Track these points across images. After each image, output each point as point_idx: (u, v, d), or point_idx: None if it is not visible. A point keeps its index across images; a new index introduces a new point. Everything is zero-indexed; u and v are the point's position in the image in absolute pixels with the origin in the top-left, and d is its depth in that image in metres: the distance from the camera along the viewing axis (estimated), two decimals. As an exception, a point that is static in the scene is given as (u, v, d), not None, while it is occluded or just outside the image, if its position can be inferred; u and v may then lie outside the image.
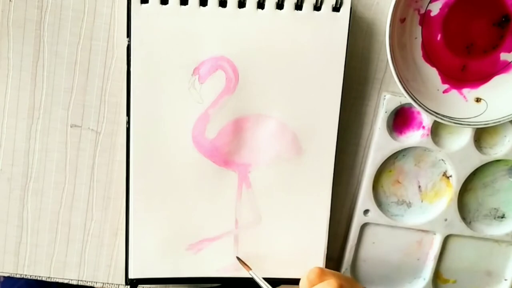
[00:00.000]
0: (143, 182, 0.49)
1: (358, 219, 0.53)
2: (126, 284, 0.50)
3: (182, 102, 0.47)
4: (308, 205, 0.51)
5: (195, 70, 0.47)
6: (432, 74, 0.49)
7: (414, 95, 0.48)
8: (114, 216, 0.52)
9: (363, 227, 0.54)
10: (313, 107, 0.49)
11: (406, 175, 0.53)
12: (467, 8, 0.47)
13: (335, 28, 0.47)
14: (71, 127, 0.50)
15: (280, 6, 0.47)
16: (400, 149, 0.51)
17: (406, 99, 0.48)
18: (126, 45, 0.47)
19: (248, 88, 0.48)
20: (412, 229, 0.54)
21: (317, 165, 0.50)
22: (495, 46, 0.49)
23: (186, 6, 0.46)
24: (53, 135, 0.50)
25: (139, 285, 0.51)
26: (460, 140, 0.52)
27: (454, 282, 0.57)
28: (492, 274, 0.57)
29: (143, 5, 0.46)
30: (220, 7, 0.46)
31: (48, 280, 0.53)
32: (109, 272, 0.53)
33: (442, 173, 0.53)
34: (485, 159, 0.52)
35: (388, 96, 0.50)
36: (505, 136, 0.52)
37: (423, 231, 0.54)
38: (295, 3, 0.47)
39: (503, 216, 0.55)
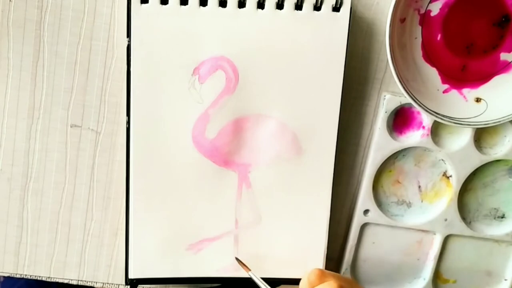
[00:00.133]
0: (143, 182, 0.49)
1: (358, 219, 0.53)
2: (126, 284, 0.50)
3: (182, 102, 0.47)
4: (308, 205, 0.51)
5: (195, 70, 0.47)
6: (432, 74, 0.49)
7: (414, 95, 0.48)
8: (114, 216, 0.52)
9: (363, 227, 0.54)
10: (313, 107, 0.49)
11: (406, 175, 0.53)
12: (467, 8, 0.47)
13: (335, 28, 0.47)
14: (71, 127, 0.50)
15: (280, 6, 0.47)
16: (400, 149, 0.51)
17: (406, 99, 0.48)
18: (126, 45, 0.47)
19: (248, 88, 0.48)
20: (412, 229, 0.54)
21: (317, 165, 0.50)
22: (495, 46, 0.49)
23: (186, 6, 0.46)
24: (53, 135, 0.50)
25: (139, 285, 0.51)
26: (460, 140, 0.52)
27: (454, 282, 0.57)
28: (492, 274, 0.57)
29: (143, 5, 0.46)
30: (220, 7, 0.46)
31: (48, 280, 0.53)
32: (109, 272, 0.53)
33: (442, 173, 0.53)
34: (485, 159, 0.52)
35: (388, 96, 0.50)
36: (505, 136, 0.52)
37: (423, 231, 0.54)
38: (295, 3, 0.47)
39: (503, 216, 0.55)
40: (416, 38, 0.48)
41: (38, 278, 0.53)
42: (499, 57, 0.49)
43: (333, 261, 0.55)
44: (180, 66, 0.47)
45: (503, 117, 0.49)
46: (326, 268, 0.52)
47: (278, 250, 0.51)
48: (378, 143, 0.51)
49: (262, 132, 0.49)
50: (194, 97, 0.47)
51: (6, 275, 0.53)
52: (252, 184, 0.50)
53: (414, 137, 0.51)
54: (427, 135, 0.51)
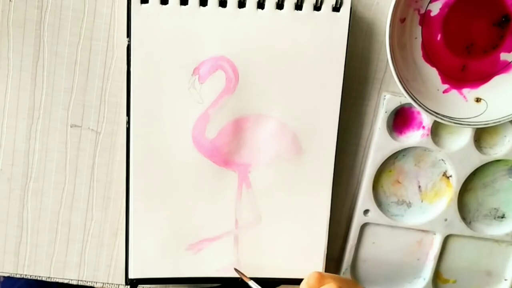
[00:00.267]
0: (143, 182, 0.49)
1: (358, 219, 0.53)
2: (126, 284, 0.50)
3: (182, 102, 0.47)
4: (308, 205, 0.51)
5: (195, 70, 0.47)
6: (432, 74, 0.49)
7: (414, 95, 0.48)
8: (114, 216, 0.52)
9: (363, 227, 0.54)
10: (313, 107, 0.49)
11: (406, 175, 0.53)
12: (467, 8, 0.47)
13: (335, 28, 0.47)
14: (71, 127, 0.50)
15: (280, 6, 0.47)
16: (400, 149, 0.51)
17: (406, 99, 0.48)
18: (126, 45, 0.47)
19: (248, 88, 0.48)
20: (412, 229, 0.54)
21: (317, 165, 0.50)
22: (495, 46, 0.49)
23: (186, 6, 0.46)
24: (53, 135, 0.50)
25: (139, 285, 0.51)
26: (460, 140, 0.52)
27: (454, 282, 0.57)
28: (492, 274, 0.57)
29: (143, 5, 0.46)
30: (220, 7, 0.46)
31: (48, 280, 0.53)
32: (109, 272, 0.53)
33: (442, 173, 0.53)
34: (485, 159, 0.52)
35: (388, 96, 0.50)
36: (505, 136, 0.52)
37: (423, 231, 0.54)
38: (295, 3, 0.47)
39: (503, 216, 0.55)
40: (416, 38, 0.48)
41: (38, 278, 0.53)
42: (499, 57, 0.49)
43: (333, 261, 0.55)
44: (180, 66, 0.47)
45: (503, 117, 0.49)
46: (326, 268, 0.52)
47: (278, 250, 0.51)
48: (378, 143, 0.51)
49: (262, 132, 0.49)
50: (194, 97, 0.47)
51: (6, 275, 0.53)
52: (252, 184, 0.50)
53: (414, 137, 0.51)
54: (427, 135, 0.51)
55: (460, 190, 0.53)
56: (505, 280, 0.57)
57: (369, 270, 0.55)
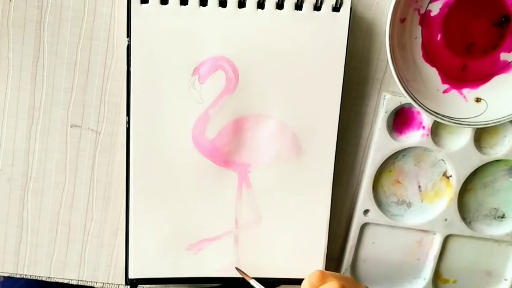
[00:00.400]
0: (143, 182, 0.49)
1: (358, 219, 0.53)
2: (126, 284, 0.50)
3: (182, 102, 0.47)
4: (308, 205, 0.51)
5: (195, 70, 0.47)
6: (432, 74, 0.49)
7: (414, 95, 0.48)
8: (114, 216, 0.52)
9: (363, 227, 0.54)
10: (313, 107, 0.49)
11: (406, 175, 0.53)
12: (467, 8, 0.47)
13: (335, 28, 0.47)
14: (71, 127, 0.50)
15: (280, 6, 0.47)
16: (400, 149, 0.51)
17: (406, 99, 0.48)
18: (126, 45, 0.47)
19: (248, 88, 0.48)
20: (412, 229, 0.54)
21: (317, 165, 0.50)
22: (495, 46, 0.49)
23: (186, 6, 0.46)
24: (53, 135, 0.50)
25: (139, 285, 0.51)
26: (460, 140, 0.52)
27: (454, 282, 0.57)
28: (492, 274, 0.57)
29: (143, 5, 0.46)
30: (220, 7, 0.46)
31: (48, 280, 0.53)
32: (109, 272, 0.53)
33: (442, 173, 0.53)
34: (485, 159, 0.52)
35: (388, 96, 0.50)
36: (505, 136, 0.52)
37: (423, 231, 0.54)
38: (295, 3, 0.47)
39: (503, 216, 0.55)
40: (416, 38, 0.48)
41: (38, 278, 0.53)
42: (499, 57, 0.49)
43: (333, 261, 0.55)
44: (180, 66, 0.47)
45: (503, 117, 0.49)
46: (326, 268, 0.52)
47: (278, 250, 0.51)
48: (378, 143, 0.51)
49: (262, 132, 0.49)
50: (194, 97, 0.47)
51: (6, 275, 0.53)
52: (252, 184, 0.50)
53: (414, 137, 0.51)
54: (427, 135, 0.51)
55: (460, 190, 0.53)
56: (505, 280, 0.57)
57: (369, 270, 0.55)
